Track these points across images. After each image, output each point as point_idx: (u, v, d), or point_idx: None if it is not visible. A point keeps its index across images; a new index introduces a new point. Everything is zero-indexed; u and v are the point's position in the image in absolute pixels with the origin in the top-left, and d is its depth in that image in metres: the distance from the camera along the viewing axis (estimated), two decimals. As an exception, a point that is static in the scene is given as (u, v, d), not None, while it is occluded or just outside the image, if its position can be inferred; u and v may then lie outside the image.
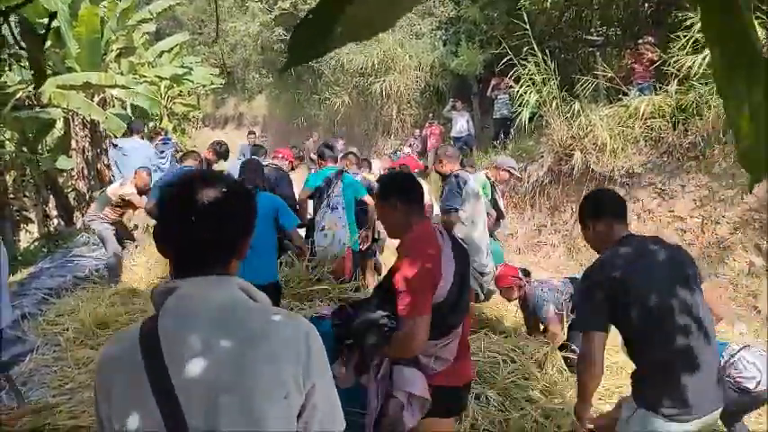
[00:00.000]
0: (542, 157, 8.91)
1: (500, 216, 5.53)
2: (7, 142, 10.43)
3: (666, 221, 6.89)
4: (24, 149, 10.15)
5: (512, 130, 10.58)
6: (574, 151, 7.80)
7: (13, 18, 0.99)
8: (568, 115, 7.98)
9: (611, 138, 7.44)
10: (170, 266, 1.14)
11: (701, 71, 6.65)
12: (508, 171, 5.56)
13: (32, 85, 8.46)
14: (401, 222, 2.15)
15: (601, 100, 8.51)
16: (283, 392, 1.03)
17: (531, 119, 8.74)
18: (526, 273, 4.51)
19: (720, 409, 2.15)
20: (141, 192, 6.01)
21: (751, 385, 3.02)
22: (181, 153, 10.89)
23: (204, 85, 16.43)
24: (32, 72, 1.03)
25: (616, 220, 2.26)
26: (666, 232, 6.82)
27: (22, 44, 1.00)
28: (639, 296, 2.08)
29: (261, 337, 1.05)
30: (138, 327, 1.08)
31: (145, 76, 11.59)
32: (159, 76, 12.62)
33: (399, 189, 2.21)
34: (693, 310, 2.08)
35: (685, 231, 6.65)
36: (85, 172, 9.85)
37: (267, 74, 20.82)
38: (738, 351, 3.12)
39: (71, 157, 9.93)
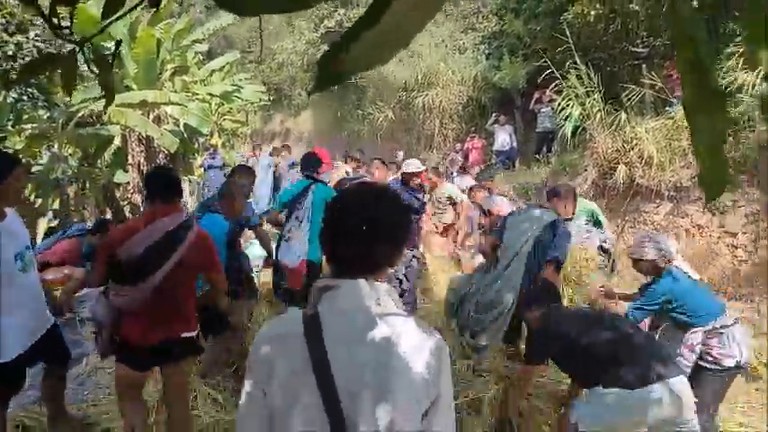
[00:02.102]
0: (586, 170, 8.78)
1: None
2: (70, 157, 11.07)
3: (717, 237, 6.67)
4: (85, 164, 10.74)
5: (554, 143, 10.47)
6: (618, 164, 7.66)
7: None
8: (613, 128, 7.86)
9: (657, 150, 7.27)
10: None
11: (752, 83, 6.46)
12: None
13: (93, 104, 9.01)
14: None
15: (647, 112, 8.34)
16: (414, 396, 1.11)
17: (574, 132, 8.64)
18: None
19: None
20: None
21: (729, 363, 3.05)
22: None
23: (253, 102, 16.91)
24: (103, 93, 1.17)
25: None
26: (717, 248, 6.61)
27: (94, 69, 1.14)
28: None
29: (396, 342, 1.12)
30: (300, 313, 1.17)
31: (197, 94, 12.04)
32: (210, 94, 13.07)
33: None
34: None
35: (737, 247, 6.43)
36: (140, 185, 10.30)
37: (313, 90, 21.28)
38: (731, 326, 3.11)
39: (127, 171, 10.44)
